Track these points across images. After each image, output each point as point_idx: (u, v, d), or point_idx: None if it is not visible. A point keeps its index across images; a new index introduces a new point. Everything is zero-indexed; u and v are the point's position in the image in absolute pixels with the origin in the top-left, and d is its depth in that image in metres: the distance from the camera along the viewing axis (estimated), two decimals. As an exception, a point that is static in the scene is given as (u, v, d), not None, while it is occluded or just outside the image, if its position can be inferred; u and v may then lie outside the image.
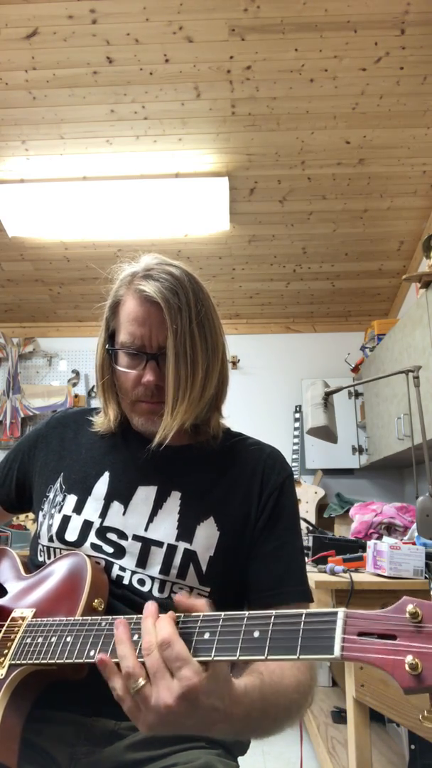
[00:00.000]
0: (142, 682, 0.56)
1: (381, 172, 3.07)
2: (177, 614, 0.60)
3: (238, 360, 4.08)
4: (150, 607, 0.61)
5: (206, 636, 0.57)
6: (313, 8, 2.35)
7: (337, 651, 0.48)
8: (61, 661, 0.66)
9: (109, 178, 3.07)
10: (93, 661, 0.62)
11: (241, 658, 0.54)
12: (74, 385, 4.13)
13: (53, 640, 0.68)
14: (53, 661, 0.66)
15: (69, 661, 0.65)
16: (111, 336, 0.90)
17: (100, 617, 0.67)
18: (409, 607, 0.48)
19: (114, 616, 0.65)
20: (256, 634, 0.54)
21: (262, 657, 0.52)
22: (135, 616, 0.62)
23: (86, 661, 0.63)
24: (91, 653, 0.63)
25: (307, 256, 3.64)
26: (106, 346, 0.90)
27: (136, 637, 0.60)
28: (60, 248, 3.57)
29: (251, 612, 0.56)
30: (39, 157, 2.99)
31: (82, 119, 2.79)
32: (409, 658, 0.46)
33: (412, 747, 1.63)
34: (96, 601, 0.74)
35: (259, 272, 3.78)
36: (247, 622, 0.55)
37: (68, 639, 0.67)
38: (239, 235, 3.47)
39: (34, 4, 2.35)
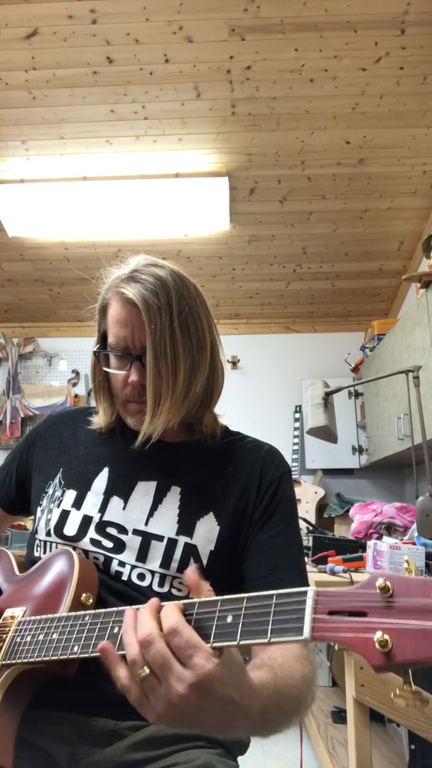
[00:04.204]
0: (147, 669, 0.53)
1: (381, 172, 3.07)
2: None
3: (238, 360, 4.08)
4: (152, 601, 0.59)
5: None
6: (313, 8, 2.35)
7: (306, 632, 0.47)
8: (48, 658, 0.66)
9: (109, 178, 3.07)
10: (76, 656, 0.63)
11: (215, 644, 0.52)
12: (74, 385, 4.13)
13: (41, 638, 0.69)
14: (40, 659, 0.66)
15: (54, 658, 0.65)
16: (104, 338, 0.91)
17: (84, 611, 0.67)
18: (379, 582, 0.46)
19: (99, 610, 0.65)
20: (229, 618, 0.53)
21: (235, 642, 0.51)
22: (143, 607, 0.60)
23: (70, 656, 0.63)
24: (75, 649, 0.63)
25: (307, 256, 3.64)
26: (95, 349, 0.92)
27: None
28: (60, 248, 3.57)
29: (224, 597, 0.55)
30: (39, 157, 2.99)
31: (82, 119, 2.79)
32: (378, 635, 0.44)
33: (412, 747, 1.63)
34: (84, 595, 0.75)
35: (259, 272, 3.78)
36: (220, 607, 0.54)
37: (54, 636, 0.67)
38: (239, 235, 3.47)
39: (34, 4, 2.35)
